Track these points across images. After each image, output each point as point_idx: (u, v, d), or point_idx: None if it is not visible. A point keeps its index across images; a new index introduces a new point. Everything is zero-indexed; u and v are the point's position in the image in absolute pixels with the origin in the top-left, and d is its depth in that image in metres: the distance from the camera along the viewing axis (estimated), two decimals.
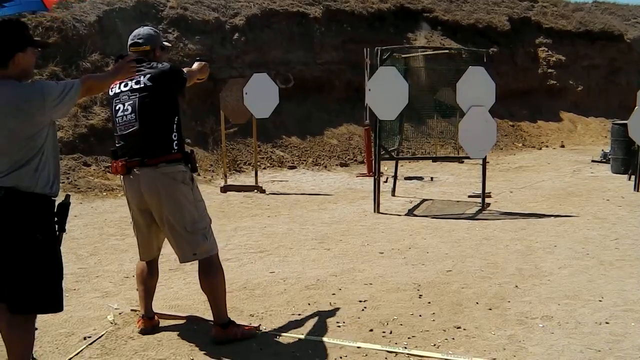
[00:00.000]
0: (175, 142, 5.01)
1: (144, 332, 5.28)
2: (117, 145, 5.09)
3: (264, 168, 15.15)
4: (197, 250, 5.03)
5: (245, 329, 5.27)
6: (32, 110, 3.94)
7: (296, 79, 17.11)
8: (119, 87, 5.03)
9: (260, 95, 12.34)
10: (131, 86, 4.99)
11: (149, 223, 5.17)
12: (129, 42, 5.25)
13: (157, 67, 5.06)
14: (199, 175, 13.63)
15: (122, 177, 5.13)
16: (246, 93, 12.37)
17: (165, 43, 5.54)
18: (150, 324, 5.35)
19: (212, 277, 5.12)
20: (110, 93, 5.09)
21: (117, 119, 5.02)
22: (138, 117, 4.92)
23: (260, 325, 5.44)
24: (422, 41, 20.32)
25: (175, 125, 5.03)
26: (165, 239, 5.28)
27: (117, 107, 5.02)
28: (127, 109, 4.96)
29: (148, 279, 5.40)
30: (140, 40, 5.20)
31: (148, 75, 4.98)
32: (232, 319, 5.27)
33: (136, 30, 5.31)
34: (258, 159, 14.06)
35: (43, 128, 4.04)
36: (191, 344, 5.07)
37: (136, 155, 4.93)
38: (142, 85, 4.95)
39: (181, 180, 4.98)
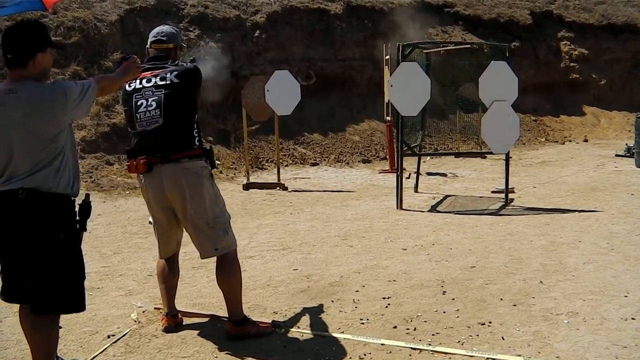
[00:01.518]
0: (197, 138, 5.04)
1: (167, 330, 5.28)
2: (134, 142, 5.07)
3: (286, 165, 15.16)
4: (219, 245, 5.05)
5: (260, 326, 5.26)
6: (55, 111, 3.95)
7: (317, 75, 17.13)
8: (140, 83, 5.03)
9: (282, 92, 12.35)
10: (155, 82, 4.99)
11: (170, 219, 5.17)
12: (151, 38, 5.26)
13: (183, 65, 5.11)
14: (220, 172, 13.67)
15: (141, 175, 5.11)
16: (268, 90, 12.38)
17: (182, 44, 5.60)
18: (174, 322, 5.35)
19: (229, 272, 5.14)
20: (128, 89, 5.07)
21: (138, 115, 4.99)
22: (163, 113, 4.92)
23: (284, 322, 5.43)
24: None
25: (195, 123, 5.07)
26: (185, 235, 5.29)
27: (139, 103, 5.00)
28: (151, 105, 4.95)
29: (169, 277, 5.40)
30: (164, 38, 5.22)
31: (175, 73, 5.00)
32: (247, 316, 5.27)
33: (158, 28, 5.33)
34: (280, 156, 14.07)
35: (64, 128, 4.05)
36: (215, 342, 5.07)
37: (158, 151, 4.92)
38: (169, 82, 4.97)
39: (203, 175, 5.00)
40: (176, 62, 5.14)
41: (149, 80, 5.02)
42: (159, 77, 5.01)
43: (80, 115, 4.36)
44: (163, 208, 5.11)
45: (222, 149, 14.93)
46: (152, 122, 4.95)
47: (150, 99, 4.97)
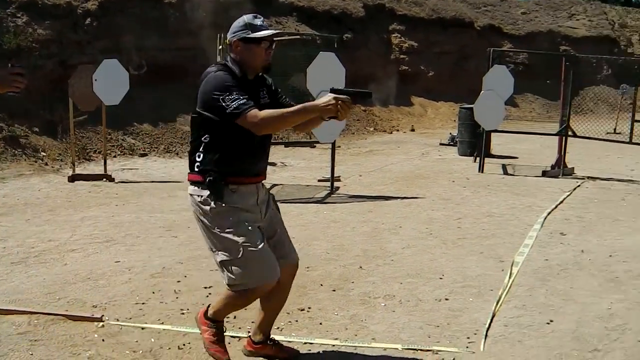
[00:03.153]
0: (198, 163, 4.37)
1: None
2: None
3: (115, 156, 14.84)
4: (226, 282, 4.37)
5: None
6: None
7: (150, 64, 16.87)
8: None
9: (110, 81, 12.07)
10: None
11: None
12: None
13: (208, 71, 4.33)
14: (46, 164, 13.23)
15: None
16: (95, 79, 12.08)
17: (254, 34, 4.22)
18: None
19: (227, 294, 4.46)
20: None
21: None
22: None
23: (103, 315, 5.32)
24: None
25: (203, 144, 4.31)
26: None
27: None
28: None
29: None
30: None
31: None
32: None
33: None
34: (108, 147, 13.81)
35: None
36: (30, 340, 4.90)
37: None
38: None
39: (197, 203, 4.47)
40: (218, 64, 4.39)
41: None
42: None
43: None
44: None
45: (48, 139, 14.45)
46: None
47: None
